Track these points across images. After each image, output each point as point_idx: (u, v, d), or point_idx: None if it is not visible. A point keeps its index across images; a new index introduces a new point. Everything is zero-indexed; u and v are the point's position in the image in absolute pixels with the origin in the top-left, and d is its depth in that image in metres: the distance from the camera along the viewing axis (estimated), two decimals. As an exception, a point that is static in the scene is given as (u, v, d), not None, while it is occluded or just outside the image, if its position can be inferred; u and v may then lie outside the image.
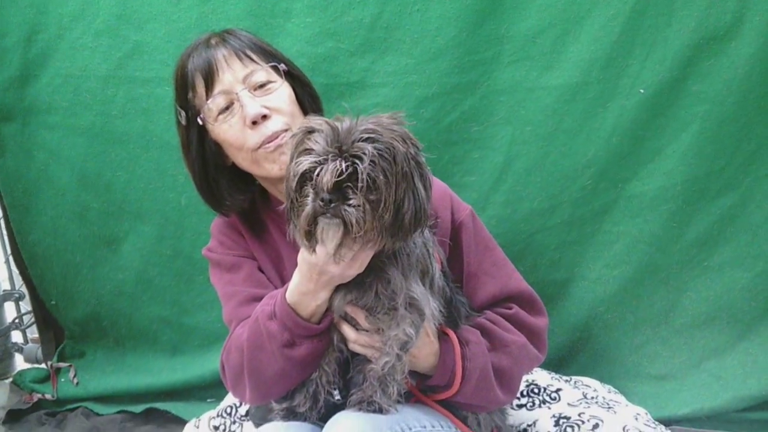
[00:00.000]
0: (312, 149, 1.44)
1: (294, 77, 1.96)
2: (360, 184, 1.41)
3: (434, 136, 2.57)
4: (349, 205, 1.43)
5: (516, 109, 2.55)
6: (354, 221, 1.43)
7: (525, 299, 1.97)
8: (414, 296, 1.62)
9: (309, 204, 1.44)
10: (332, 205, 1.42)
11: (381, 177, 1.42)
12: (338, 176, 1.40)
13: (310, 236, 1.49)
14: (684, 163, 2.52)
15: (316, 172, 1.42)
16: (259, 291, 1.89)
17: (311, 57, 2.51)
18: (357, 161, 1.41)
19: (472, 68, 2.53)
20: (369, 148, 1.41)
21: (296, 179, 1.46)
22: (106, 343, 3.17)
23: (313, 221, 1.46)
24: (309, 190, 1.45)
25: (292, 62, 1.98)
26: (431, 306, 1.67)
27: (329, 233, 1.46)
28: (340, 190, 1.42)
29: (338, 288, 1.67)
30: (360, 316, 1.69)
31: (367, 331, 1.70)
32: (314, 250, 1.53)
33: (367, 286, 1.64)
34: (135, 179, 2.86)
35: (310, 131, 1.48)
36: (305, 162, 1.43)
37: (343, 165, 1.40)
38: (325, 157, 1.42)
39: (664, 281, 2.66)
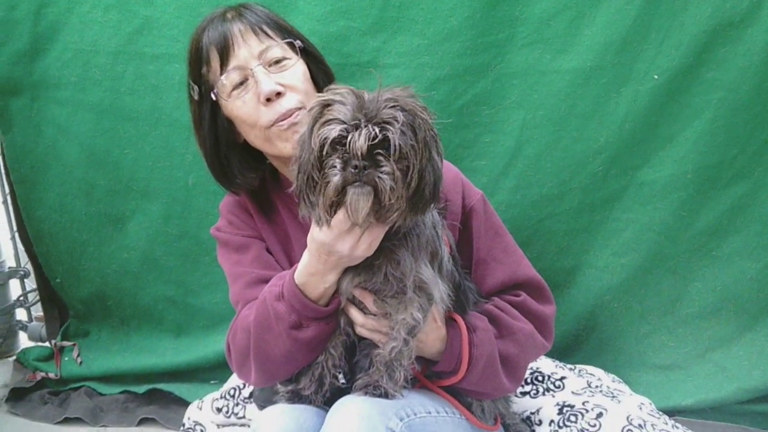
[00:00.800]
0: (336, 118, 1.42)
1: (309, 54, 1.94)
2: (393, 150, 1.40)
3: (445, 118, 2.53)
4: (382, 172, 1.41)
5: (528, 93, 2.54)
6: (387, 188, 1.41)
7: (533, 287, 1.96)
8: (423, 279, 1.61)
9: (337, 173, 1.42)
10: (366, 171, 1.40)
11: (409, 144, 1.42)
12: (372, 141, 1.39)
13: (337, 208, 1.47)
14: (696, 151, 2.51)
15: (348, 139, 1.39)
16: (266, 272, 1.88)
17: (322, 36, 2.49)
18: (389, 127, 1.40)
19: (485, 50, 2.51)
20: (399, 114, 1.41)
21: (320, 149, 1.43)
22: (111, 322, 3.17)
23: (342, 191, 1.43)
24: (335, 160, 1.42)
25: (307, 39, 1.96)
26: (440, 289, 1.66)
27: (359, 202, 1.44)
28: (371, 156, 1.41)
29: (347, 270, 1.66)
30: (368, 300, 1.68)
31: (374, 315, 1.70)
32: (329, 225, 1.51)
33: (375, 269, 1.63)
34: (143, 157, 2.85)
35: (328, 104, 1.46)
36: (333, 130, 1.41)
37: (376, 130, 1.39)
38: (354, 123, 1.40)
39: (671, 270, 2.65)
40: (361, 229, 1.53)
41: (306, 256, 1.66)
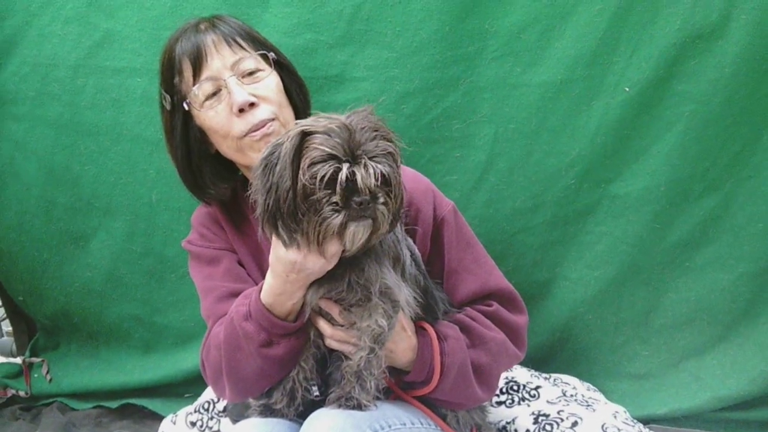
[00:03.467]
0: (329, 153, 1.42)
1: (282, 66, 1.96)
2: (387, 183, 1.46)
3: (415, 133, 2.53)
4: (379, 203, 1.46)
5: (499, 107, 2.52)
6: (385, 218, 1.47)
7: (505, 297, 1.97)
8: (388, 284, 1.63)
9: (340, 211, 1.44)
10: (369, 206, 1.45)
11: (395, 172, 1.48)
12: (379, 176, 1.43)
13: (333, 240, 1.49)
14: (668, 164, 2.50)
15: (352, 177, 1.42)
16: (238, 286, 1.89)
17: (289, 49, 2.38)
18: (383, 161, 1.44)
19: (455, 63, 2.49)
20: (386, 145, 1.45)
21: (311, 183, 1.43)
22: (79, 337, 3.14)
23: (344, 227, 1.46)
24: (332, 196, 1.43)
25: (280, 51, 1.98)
26: (404, 293, 1.67)
27: (359, 234, 1.48)
28: (371, 191, 1.45)
29: (311, 282, 1.65)
30: (334, 311, 1.69)
31: (342, 326, 1.70)
32: (322, 255, 1.53)
33: (338, 277, 1.63)
34: (104, 173, 2.79)
35: (308, 133, 1.46)
36: (331, 167, 1.42)
37: (378, 166, 1.42)
38: (346, 159, 1.42)
39: (645, 282, 2.66)
40: None
41: (270, 278, 1.65)
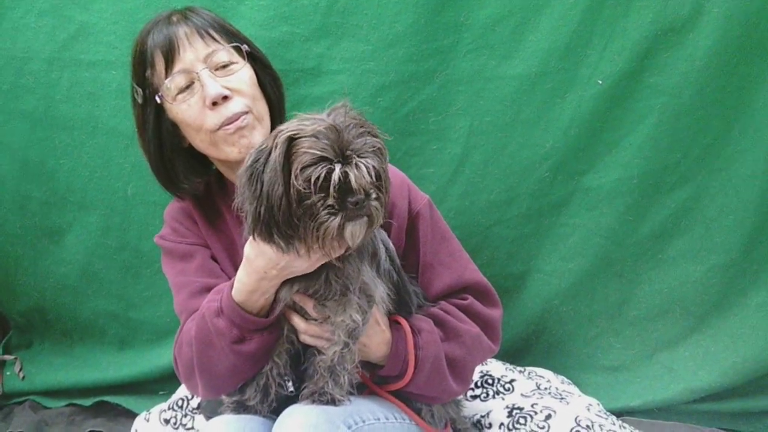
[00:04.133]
0: (320, 155, 1.41)
1: (256, 59, 1.93)
2: (378, 179, 1.46)
3: (391, 125, 2.52)
4: (372, 200, 1.45)
5: (474, 99, 2.53)
6: (380, 214, 1.48)
7: (480, 290, 1.96)
8: (365, 280, 1.62)
9: (337, 213, 1.43)
10: (365, 204, 1.44)
11: (383, 167, 1.48)
12: (370, 176, 1.43)
13: (332, 242, 1.48)
14: (640, 156, 2.53)
15: (345, 177, 1.41)
16: (211, 281, 1.86)
17: (265, 41, 2.36)
18: (374, 157, 1.44)
19: (431, 56, 2.49)
20: (373, 141, 1.45)
21: (306, 187, 1.42)
22: (53, 334, 3.08)
23: (342, 228, 1.45)
24: (329, 199, 1.42)
25: (254, 44, 1.95)
26: (380, 290, 1.67)
27: (357, 232, 1.47)
28: (365, 190, 1.45)
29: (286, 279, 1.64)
30: (309, 305, 1.67)
31: (316, 320, 1.68)
32: (328, 256, 1.53)
33: (315, 274, 1.61)
34: (79, 167, 2.74)
35: (294, 137, 1.44)
36: (324, 168, 1.41)
37: (370, 164, 1.42)
38: (338, 159, 1.41)
39: (618, 274, 2.68)
40: None
41: (244, 275, 1.63)
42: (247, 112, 1.82)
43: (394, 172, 1.97)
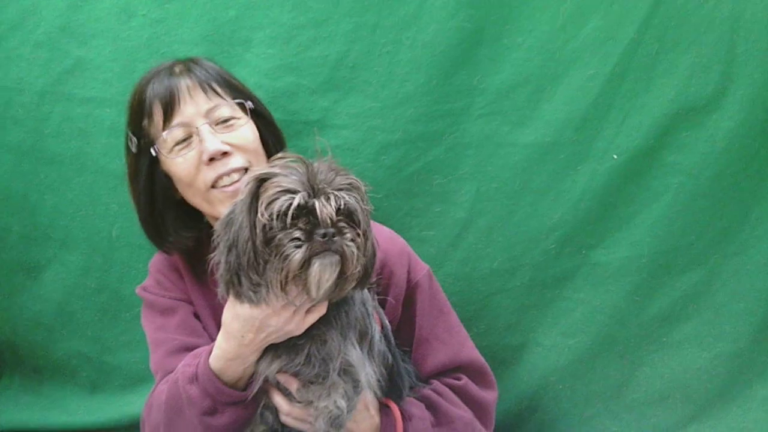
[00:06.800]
0: (286, 189, 1.35)
1: (259, 115, 1.90)
2: (355, 216, 1.39)
3: (394, 185, 2.47)
4: (346, 239, 1.37)
5: (483, 164, 2.47)
6: (354, 255, 1.38)
7: (476, 370, 1.93)
8: (350, 361, 1.54)
9: (302, 245, 1.34)
10: (335, 239, 1.35)
11: (364, 210, 1.40)
12: (342, 206, 1.35)
13: (298, 282, 1.38)
14: (652, 235, 2.47)
15: (315, 206, 1.34)
16: (191, 340, 1.82)
17: (269, 91, 2.39)
18: (350, 192, 1.38)
19: (440, 118, 2.44)
20: (352, 180, 1.40)
21: (269, 222, 1.35)
22: (23, 370, 3.00)
23: (306, 264, 1.35)
24: (293, 232, 1.34)
25: (258, 100, 1.93)
26: (367, 372, 1.59)
27: (326, 273, 1.37)
28: (335, 224, 1.36)
29: (266, 350, 1.57)
30: (293, 386, 1.59)
31: (300, 402, 1.61)
32: (292, 303, 1.43)
33: (298, 348, 1.54)
34: (64, 204, 2.68)
35: (265, 178, 1.40)
36: (288, 200, 1.34)
37: (343, 195, 1.36)
38: (307, 191, 1.35)
39: (620, 355, 2.60)
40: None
41: (223, 341, 1.56)
42: (246, 168, 1.78)
43: (395, 239, 1.96)
